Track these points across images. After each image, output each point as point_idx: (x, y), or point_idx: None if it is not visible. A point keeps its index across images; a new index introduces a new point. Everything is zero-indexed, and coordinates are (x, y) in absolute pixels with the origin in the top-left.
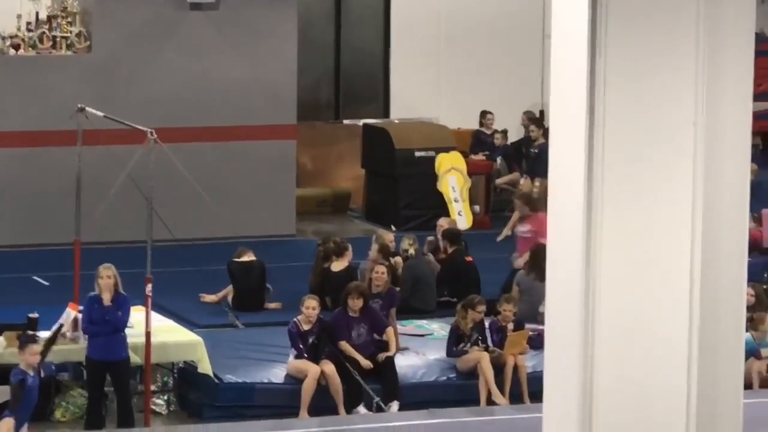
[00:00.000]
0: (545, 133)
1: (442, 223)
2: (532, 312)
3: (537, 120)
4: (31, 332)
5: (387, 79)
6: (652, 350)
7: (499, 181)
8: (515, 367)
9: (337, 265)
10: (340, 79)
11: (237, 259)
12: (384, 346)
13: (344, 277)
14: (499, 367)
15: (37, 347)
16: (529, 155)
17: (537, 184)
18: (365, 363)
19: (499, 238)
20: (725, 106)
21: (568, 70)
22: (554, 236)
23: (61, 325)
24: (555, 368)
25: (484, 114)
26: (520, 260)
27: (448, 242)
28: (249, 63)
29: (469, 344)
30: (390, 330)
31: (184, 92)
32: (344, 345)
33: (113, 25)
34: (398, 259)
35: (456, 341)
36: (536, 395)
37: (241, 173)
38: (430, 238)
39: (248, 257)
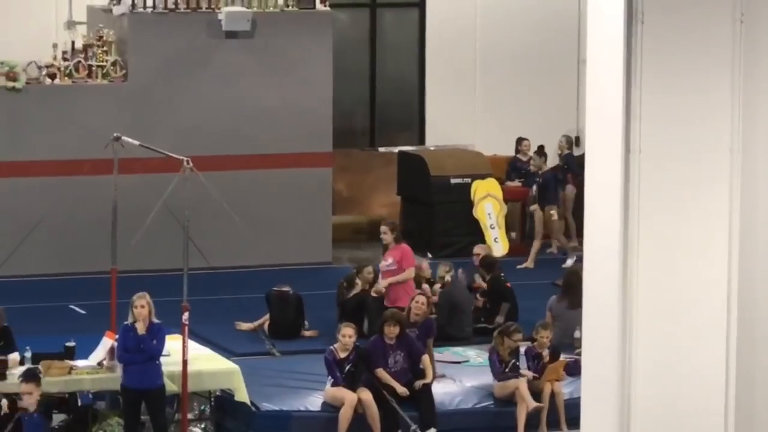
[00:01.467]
0: (546, 161)
1: (478, 250)
2: (565, 338)
3: (539, 150)
4: (33, 368)
5: (422, 106)
6: (689, 377)
7: (533, 207)
8: (552, 394)
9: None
10: (376, 107)
11: (275, 288)
12: (420, 373)
13: (382, 302)
14: (536, 394)
15: (28, 387)
16: (538, 184)
17: (553, 212)
18: (401, 390)
19: (520, 266)
20: (760, 129)
21: (603, 96)
22: (590, 264)
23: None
24: (592, 395)
25: (520, 141)
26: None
27: (486, 270)
28: (285, 91)
29: (507, 370)
30: (426, 357)
31: (219, 120)
32: (381, 372)
33: (149, 54)
34: (435, 287)
35: (497, 366)
36: (574, 422)
37: (276, 201)
38: (461, 270)
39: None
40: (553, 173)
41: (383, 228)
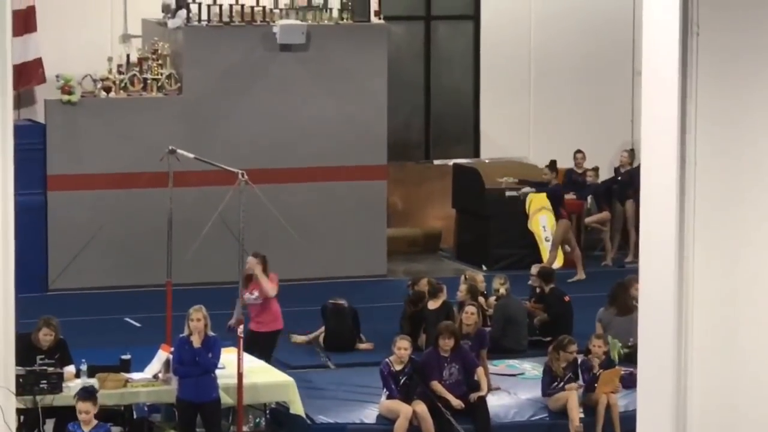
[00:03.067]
0: (557, 177)
1: (534, 271)
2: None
3: (551, 164)
4: (89, 386)
5: (477, 118)
6: (749, 388)
7: (588, 219)
8: (608, 406)
9: (433, 303)
10: (431, 119)
11: (332, 301)
12: (475, 385)
13: (440, 314)
14: (591, 407)
15: (85, 406)
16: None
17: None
18: (456, 403)
19: (570, 280)
20: None
21: (659, 107)
22: (646, 275)
23: None
24: (648, 407)
25: (575, 153)
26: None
27: (544, 281)
28: (339, 103)
29: (562, 383)
30: (480, 369)
31: (274, 133)
32: (436, 385)
33: (203, 67)
34: (490, 300)
35: (549, 381)
36: None
37: (331, 214)
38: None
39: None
40: (558, 186)
41: (252, 260)
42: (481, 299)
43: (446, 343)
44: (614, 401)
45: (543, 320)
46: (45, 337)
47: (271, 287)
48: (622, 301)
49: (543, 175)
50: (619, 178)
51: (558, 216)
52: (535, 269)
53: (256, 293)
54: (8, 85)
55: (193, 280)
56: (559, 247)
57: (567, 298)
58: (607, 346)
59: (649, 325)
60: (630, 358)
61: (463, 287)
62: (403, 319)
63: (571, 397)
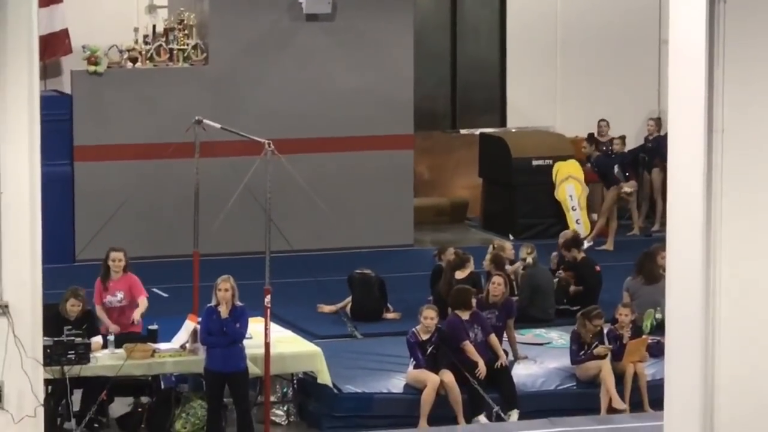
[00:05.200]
0: (598, 148)
1: (566, 235)
2: (641, 315)
3: (589, 137)
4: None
5: (503, 88)
6: None
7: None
8: (635, 375)
9: (460, 273)
10: (457, 89)
11: (358, 270)
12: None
13: (467, 284)
14: (618, 375)
15: None
16: None
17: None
18: (482, 367)
19: (599, 248)
20: None
21: (686, 76)
22: (674, 244)
23: None
24: (675, 376)
25: (599, 122)
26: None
27: (575, 248)
28: (365, 73)
29: (590, 352)
30: (494, 337)
31: (300, 103)
32: (468, 345)
33: (230, 37)
34: (516, 268)
35: (578, 349)
36: (656, 403)
37: (358, 184)
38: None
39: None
40: (602, 156)
41: (115, 255)
42: (509, 267)
43: (463, 314)
44: (641, 370)
45: (577, 291)
46: (72, 307)
47: (145, 305)
48: (649, 269)
49: (582, 148)
50: (648, 146)
51: (609, 185)
52: (567, 234)
53: (120, 294)
54: (35, 56)
55: (220, 250)
56: (586, 216)
57: (598, 268)
58: (634, 314)
59: (677, 293)
60: (659, 326)
61: (488, 256)
62: (435, 287)
63: (604, 368)
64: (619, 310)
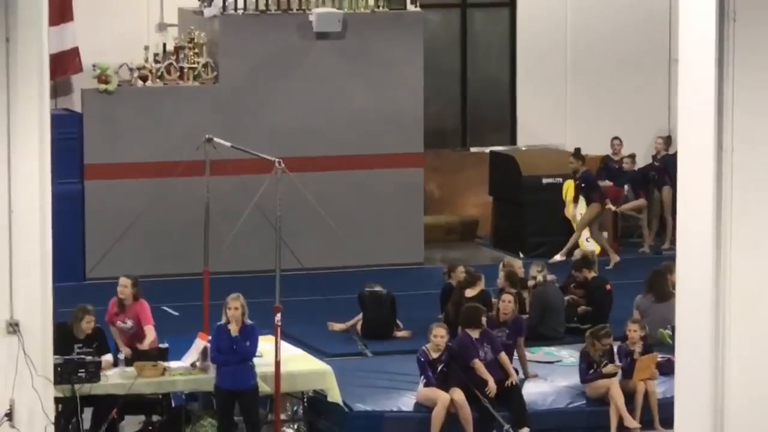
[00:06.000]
0: (584, 164)
1: (578, 254)
2: (652, 334)
3: (576, 152)
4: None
5: (513, 105)
6: None
7: (624, 207)
8: (645, 393)
9: (470, 291)
10: (467, 107)
11: (368, 289)
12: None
13: (478, 302)
14: (629, 393)
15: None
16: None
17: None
18: (492, 385)
19: (608, 267)
20: None
21: (695, 95)
22: (684, 262)
23: None
24: (686, 394)
25: (613, 140)
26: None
27: (587, 268)
28: (375, 91)
29: (599, 370)
30: (504, 355)
31: (310, 121)
32: (477, 363)
33: (240, 56)
34: (527, 286)
35: (586, 368)
36: (667, 421)
37: (368, 202)
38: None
39: (380, 288)
40: (588, 173)
41: (123, 281)
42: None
43: (473, 332)
44: (652, 388)
45: (585, 311)
46: (83, 325)
47: (153, 335)
48: (660, 287)
49: (569, 164)
50: (657, 164)
51: (590, 201)
52: (578, 254)
53: (130, 322)
54: (45, 75)
55: (230, 268)
56: (592, 236)
57: (608, 287)
58: (645, 330)
59: (687, 311)
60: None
61: (501, 274)
62: (446, 306)
63: (613, 386)
64: (628, 327)
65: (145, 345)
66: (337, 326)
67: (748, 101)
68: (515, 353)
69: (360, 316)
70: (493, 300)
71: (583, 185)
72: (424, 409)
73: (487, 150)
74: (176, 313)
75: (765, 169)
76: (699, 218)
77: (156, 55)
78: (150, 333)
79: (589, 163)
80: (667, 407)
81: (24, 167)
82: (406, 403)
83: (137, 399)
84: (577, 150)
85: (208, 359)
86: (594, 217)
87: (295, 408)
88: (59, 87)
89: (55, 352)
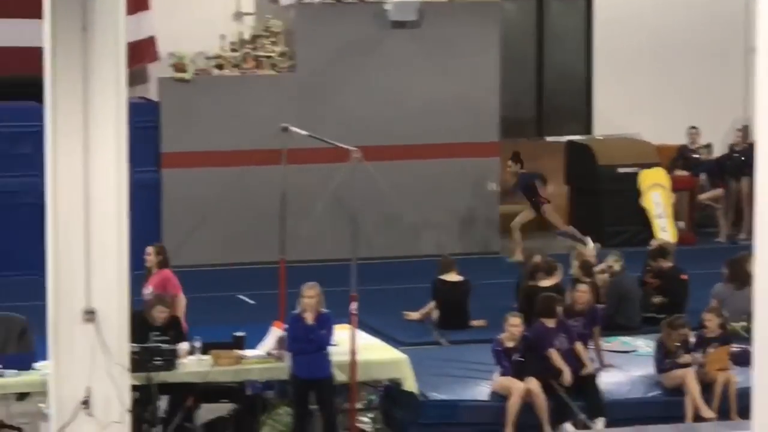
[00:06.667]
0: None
1: (654, 244)
2: (732, 321)
3: (514, 155)
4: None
5: (589, 95)
6: None
7: (702, 196)
8: (725, 383)
9: (547, 282)
10: (543, 96)
11: (442, 277)
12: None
13: (554, 292)
14: (707, 384)
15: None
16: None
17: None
18: (567, 375)
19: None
20: None
21: None
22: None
23: None
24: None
25: (689, 129)
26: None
27: (662, 258)
28: (451, 80)
29: (675, 360)
30: (579, 344)
31: (386, 110)
32: (553, 353)
33: (316, 45)
34: (603, 276)
35: (662, 357)
36: (744, 412)
37: (444, 191)
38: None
39: (454, 276)
40: (526, 175)
41: (148, 249)
42: (598, 276)
43: (549, 321)
44: (732, 379)
45: (662, 301)
46: (159, 314)
47: (181, 304)
48: (739, 275)
49: (507, 167)
50: (735, 155)
51: (534, 205)
52: (654, 244)
53: (151, 288)
54: (122, 63)
55: (306, 257)
56: (673, 224)
57: (684, 277)
58: (721, 319)
59: (765, 301)
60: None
61: (575, 263)
62: (519, 296)
63: (688, 376)
64: (705, 316)
65: (178, 313)
66: (413, 315)
67: None
68: (591, 343)
69: (432, 303)
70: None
71: (521, 189)
72: (499, 398)
73: (563, 139)
74: (252, 302)
75: None
76: None
77: (232, 43)
78: (180, 302)
79: (665, 153)
80: (743, 398)
81: (101, 156)
82: (481, 392)
83: (213, 387)
84: (516, 153)
85: (283, 348)
86: (525, 221)
87: (370, 397)
88: (136, 75)
89: (132, 340)
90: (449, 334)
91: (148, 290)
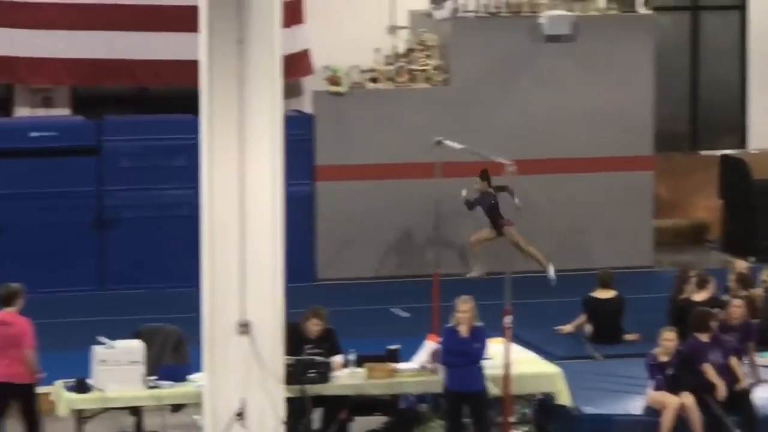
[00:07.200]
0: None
1: None
2: None
3: (482, 173)
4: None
5: (744, 108)
6: None
7: None
8: None
9: (700, 296)
10: (698, 109)
11: (593, 294)
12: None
13: (708, 306)
14: None
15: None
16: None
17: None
18: (722, 390)
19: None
20: None
21: None
22: None
23: None
24: None
25: None
26: None
27: None
28: (605, 94)
29: None
30: (734, 359)
31: (539, 124)
32: (708, 368)
33: (470, 58)
34: (757, 291)
35: None
36: None
37: (597, 204)
38: None
39: (608, 292)
40: (489, 195)
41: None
42: (753, 291)
43: (702, 336)
44: None
45: None
46: (314, 327)
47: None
48: None
49: (474, 185)
50: None
51: (498, 227)
52: None
53: None
54: (277, 76)
55: (459, 270)
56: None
57: None
58: None
59: None
60: None
61: (732, 277)
62: (671, 309)
63: None
64: None
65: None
66: (565, 328)
67: None
68: (745, 358)
69: (584, 317)
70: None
71: (486, 210)
72: (653, 412)
73: (718, 153)
74: (407, 315)
75: None
76: None
77: (387, 57)
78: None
79: None
80: None
81: (257, 169)
82: (635, 406)
83: (367, 400)
84: (484, 170)
85: (437, 361)
86: (483, 238)
87: (524, 410)
88: (290, 88)
89: (286, 353)
90: (602, 348)
91: None
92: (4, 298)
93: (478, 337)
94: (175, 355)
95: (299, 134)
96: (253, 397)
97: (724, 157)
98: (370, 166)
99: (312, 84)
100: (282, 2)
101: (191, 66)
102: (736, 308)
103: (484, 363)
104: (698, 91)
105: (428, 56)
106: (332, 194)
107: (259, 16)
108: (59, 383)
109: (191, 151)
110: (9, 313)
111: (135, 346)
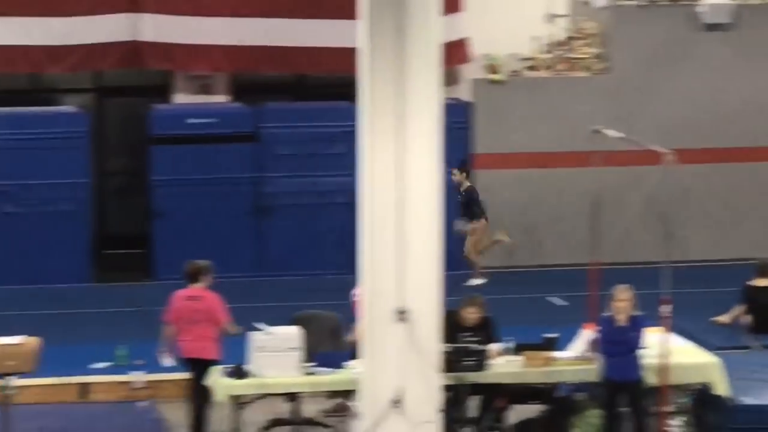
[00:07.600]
0: (468, 178)
1: None
2: None
3: (461, 164)
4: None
5: None
6: None
7: None
8: None
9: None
10: None
11: (752, 282)
12: None
13: None
14: None
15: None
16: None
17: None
18: None
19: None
20: None
21: None
22: None
23: None
24: None
25: None
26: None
27: None
28: (766, 83)
29: None
30: None
31: (699, 113)
32: None
33: (630, 47)
34: None
35: None
36: None
37: (758, 194)
38: None
39: (766, 282)
40: (471, 189)
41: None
42: None
43: None
44: None
45: None
46: (471, 315)
47: None
48: None
49: (453, 176)
50: None
51: (472, 219)
52: None
53: None
54: (436, 64)
55: (617, 259)
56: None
57: None
58: None
59: None
60: None
61: None
62: None
63: None
64: None
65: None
66: (722, 319)
67: None
68: None
69: (741, 307)
70: None
71: (465, 202)
72: None
73: None
74: (566, 303)
75: None
76: None
77: (545, 45)
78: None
79: None
80: None
81: (416, 156)
82: None
83: (524, 388)
84: (463, 161)
85: (594, 350)
86: (493, 242)
87: (681, 400)
88: (448, 76)
89: (443, 341)
90: (762, 338)
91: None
92: (190, 274)
93: (636, 326)
94: (331, 341)
95: (456, 122)
96: (411, 384)
97: None
98: (528, 154)
99: (470, 72)
100: None
101: (349, 53)
102: None
103: (641, 352)
104: None
105: (587, 44)
106: (490, 182)
107: (418, 3)
108: (217, 369)
109: (348, 138)
110: (197, 288)
111: (293, 333)
